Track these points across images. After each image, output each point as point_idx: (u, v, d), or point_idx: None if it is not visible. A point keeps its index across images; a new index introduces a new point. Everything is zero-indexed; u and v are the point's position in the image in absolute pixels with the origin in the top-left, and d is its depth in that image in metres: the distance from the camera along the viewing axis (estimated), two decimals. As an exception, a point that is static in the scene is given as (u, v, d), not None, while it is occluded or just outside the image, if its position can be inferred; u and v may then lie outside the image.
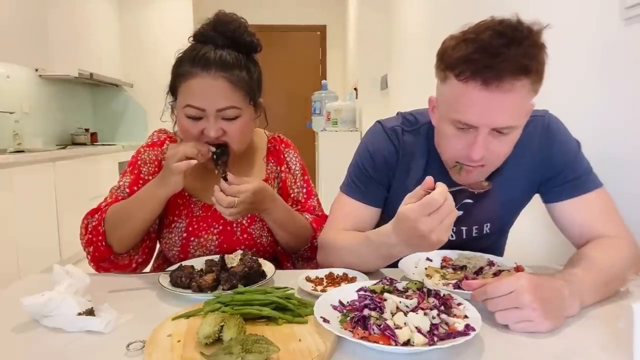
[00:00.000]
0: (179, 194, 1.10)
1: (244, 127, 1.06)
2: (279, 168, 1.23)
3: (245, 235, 1.14)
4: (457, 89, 0.84)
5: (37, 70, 4.04)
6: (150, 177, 1.10)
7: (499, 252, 1.19)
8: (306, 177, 1.26)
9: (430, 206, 0.73)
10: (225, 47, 1.04)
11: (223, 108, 1.01)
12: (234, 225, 1.14)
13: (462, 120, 0.85)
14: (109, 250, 1.03)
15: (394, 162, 1.05)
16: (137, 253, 1.09)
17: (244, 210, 1.00)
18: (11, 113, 3.76)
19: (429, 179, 0.76)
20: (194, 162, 0.95)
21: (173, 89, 1.06)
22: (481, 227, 1.08)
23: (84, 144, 4.63)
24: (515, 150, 0.93)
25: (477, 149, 0.86)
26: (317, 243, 1.11)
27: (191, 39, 1.07)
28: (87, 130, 4.88)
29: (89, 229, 1.04)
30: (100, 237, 1.02)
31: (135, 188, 1.10)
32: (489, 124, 0.84)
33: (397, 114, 1.11)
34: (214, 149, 1.03)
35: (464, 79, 0.82)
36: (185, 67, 1.02)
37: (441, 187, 0.74)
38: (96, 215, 1.05)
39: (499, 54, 0.78)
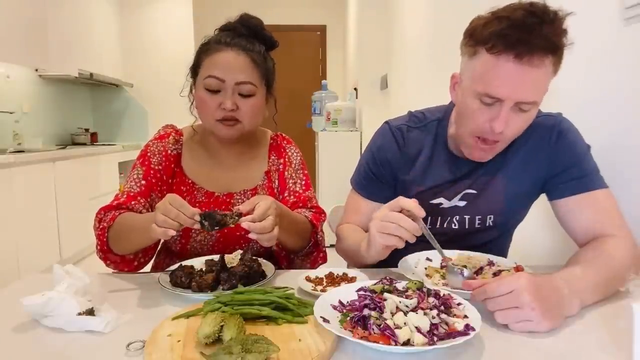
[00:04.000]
0: (182, 181, 1.19)
1: (256, 106, 1.13)
2: (279, 161, 1.27)
3: None
4: (487, 62, 0.87)
5: (37, 70, 4.04)
6: (160, 167, 1.17)
7: (503, 254, 1.19)
8: (305, 171, 1.29)
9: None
10: (248, 36, 1.14)
11: (241, 82, 1.09)
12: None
13: (490, 93, 0.88)
14: (112, 251, 1.06)
15: (397, 160, 1.12)
16: (141, 252, 1.10)
17: (278, 224, 0.96)
18: (11, 113, 3.76)
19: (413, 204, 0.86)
20: (171, 233, 0.88)
21: (195, 67, 1.15)
22: (484, 218, 1.09)
23: (84, 144, 4.62)
24: (525, 146, 1.00)
25: (501, 122, 0.89)
26: (319, 238, 1.17)
27: (217, 30, 1.18)
28: (87, 130, 4.87)
29: (100, 226, 1.07)
30: (104, 239, 1.05)
31: (149, 178, 1.15)
32: (515, 98, 0.87)
33: (408, 112, 1.18)
34: (206, 224, 0.89)
35: (496, 52, 0.85)
36: (210, 45, 1.12)
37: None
38: (109, 215, 1.07)
39: (532, 30, 0.82)
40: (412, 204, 0.85)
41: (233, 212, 0.92)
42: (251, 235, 0.91)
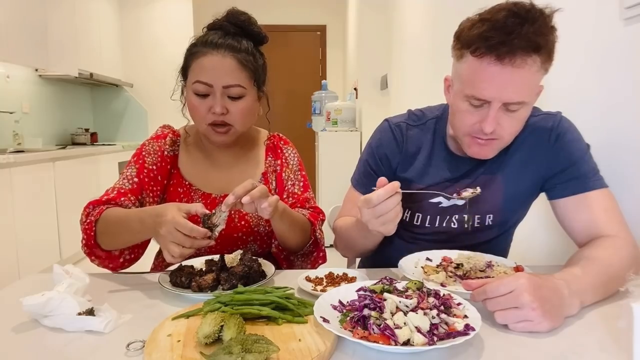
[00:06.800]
0: (179, 183, 1.19)
1: (247, 108, 1.12)
2: (276, 162, 1.27)
3: (242, 222, 1.17)
4: (472, 65, 0.89)
5: (37, 70, 4.05)
6: (154, 167, 1.17)
7: (503, 253, 1.19)
8: (303, 173, 1.29)
9: (367, 202, 0.83)
10: (235, 35, 1.12)
11: (229, 85, 1.08)
12: (232, 212, 1.16)
13: (476, 95, 0.90)
14: (98, 245, 1.05)
15: (396, 157, 1.13)
16: (127, 249, 1.09)
17: (267, 193, 0.94)
18: (11, 113, 3.76)
19: (381, 180, 0.84)
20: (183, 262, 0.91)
21: (185, 70, 1.14)
22: (483, 218, 1.10)
23: (84, 144, 4.63)
24: (525, 145, 1.00)
25: (490, 122, 0.91)
26: (318, 236, 1.17)
27: (205, 29, 1.15)
28: (87, 130, 4.88)
29: (87, 220, 1.05)
30: (91, 234, 1.03)
31: (142, 176, 1.15)
32: (501, 98, 0.88)
33: (407, 111, 1.18)
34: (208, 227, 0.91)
35: (479, 54, 0.87)
36: (197, 47, 1.10)
37: (383, 190, 0.82)
38: (96, 209, 1.06)
39: (512, 31, 0.83)
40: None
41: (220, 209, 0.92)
42: (262, 207, 0.91)
